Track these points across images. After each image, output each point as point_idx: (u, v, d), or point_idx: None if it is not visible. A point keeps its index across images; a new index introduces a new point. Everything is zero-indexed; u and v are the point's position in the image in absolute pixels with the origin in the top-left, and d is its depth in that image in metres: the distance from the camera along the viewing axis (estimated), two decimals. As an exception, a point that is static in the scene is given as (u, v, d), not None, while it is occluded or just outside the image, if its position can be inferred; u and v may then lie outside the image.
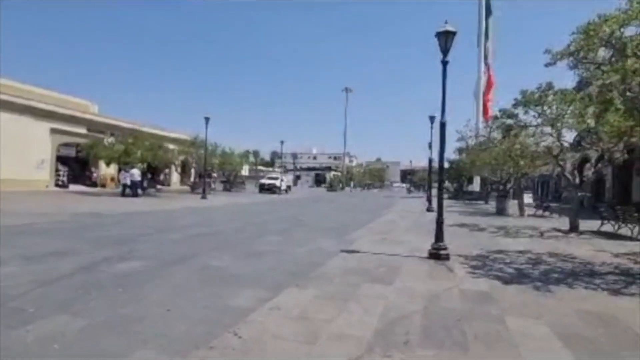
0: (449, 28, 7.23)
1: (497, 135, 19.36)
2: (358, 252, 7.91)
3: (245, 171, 50.29)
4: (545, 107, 11.79)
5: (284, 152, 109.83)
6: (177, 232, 9.68)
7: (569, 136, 14.33)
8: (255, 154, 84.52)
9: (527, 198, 25.75)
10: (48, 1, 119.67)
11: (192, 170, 33.94)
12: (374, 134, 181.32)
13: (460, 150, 27.65)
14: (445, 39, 7.26)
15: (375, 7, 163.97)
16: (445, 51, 7.35)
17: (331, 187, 56.44)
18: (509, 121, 13.44)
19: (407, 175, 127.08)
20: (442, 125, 7.51)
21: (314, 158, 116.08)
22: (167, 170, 36.06)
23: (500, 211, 19.29)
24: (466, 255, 7.80)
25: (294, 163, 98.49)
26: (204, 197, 22.85)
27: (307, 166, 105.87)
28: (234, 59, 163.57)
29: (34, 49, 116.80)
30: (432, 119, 20.01)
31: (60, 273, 5.36)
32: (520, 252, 8.50)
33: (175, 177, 37.80)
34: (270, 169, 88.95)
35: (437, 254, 7.29)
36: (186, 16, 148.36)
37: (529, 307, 4.64)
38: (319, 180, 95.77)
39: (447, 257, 7.26)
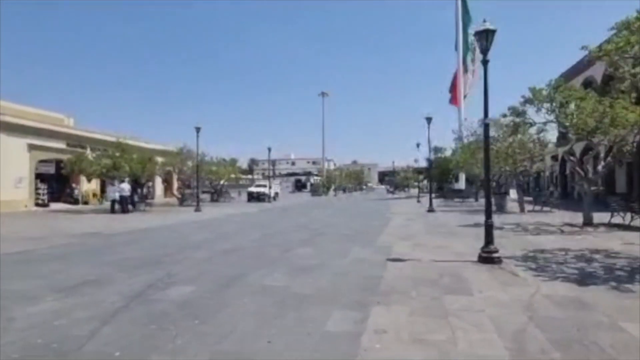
0: (489, 26, 7.09)
1: (495, 133, 19.65)
2: (404, 259, 7.62)
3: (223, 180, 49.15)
4: (555, 104, 11.93)
5: (262, 160, 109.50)
6: (201, 250, 9.09)
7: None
8: (233, 161, 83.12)
9: (513, 194, 26.35)
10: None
11: (178, 182, 32.80)
12: (349, 136, 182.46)
13: (454, 150, 27.87)
14: (486, 37, 7.12)
15: (349, 13, 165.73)
16: (485, 50, 7.20)
17: (315, 192, 56.03)
18: (517, 119, 13.53)
19: (384, 177, 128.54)
20: (486, 126, 7.35)
21: (293, 163, 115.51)
22: (150, 184, 34.75)
23: (500, 208, 19.48)
24: (513, 257, 7.67)
25: (273, 169, 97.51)
26: (197, 210, 22.01)
27: (286, 172, 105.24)
28: (204, 66, 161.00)
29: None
30: (429, 120, 20.09)
31: (111, 306, 4.79)
32: (562, 250, 8.44)
33: (158, 189, 36.53)
34: (250, 176, 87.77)
35: (489, 258, 7.09)
36: (152, 22, 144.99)
37: (631, 310, 4.47)
38: (299, 186, 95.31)
39: (500, 261, 7.08)
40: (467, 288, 5.50)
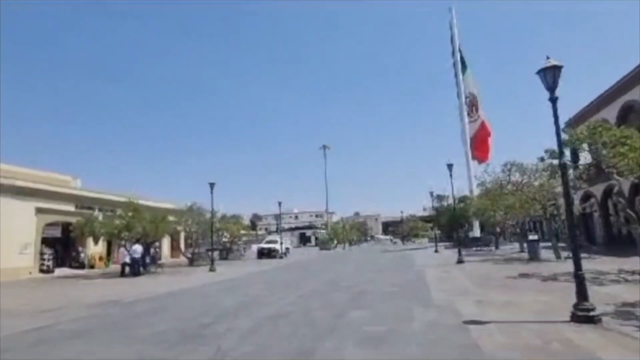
0: (555, 62, 6.74)
1: (519, 177, 19.17)
2: (482, 322, 6.65)
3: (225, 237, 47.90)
4: (599, 145, 11.50)
5: (264, 215, 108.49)
6: (241, 318, 8.06)
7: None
8: (238, 218, 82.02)
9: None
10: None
11: (185, 242, 31.70)
12: (350, 188, 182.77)
13: (465, 198, 27.22)
14: (553, 74, 6.74)
15: (346, 66, 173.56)
16: (552, 88, 6.80)
17: (324, 246, 54.52)
18: (555, 161, 13.03)
19: (388, 227, 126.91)
20: (563, 166, 6.73)
21: (296, 217, 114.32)
22: (157, 244, 33.61)
23: (534, 256, 18.43)
24: (605, 313, 6.70)
25: (280, 224, 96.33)
26: (212, 269, 20.85)
27: (289, 226, 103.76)
28: (202, 123, 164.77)
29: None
30: (450, 167, 19.64)
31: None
32: (653, 303, 7.49)
33: (165, 249, 35.28)
34: (253, 232, 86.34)
35: (587, 317, 6.15)
36: (148, 82, 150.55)
37: None
38: (304, 240, 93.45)
39: (599, 319, 6.14)
40: (595, 359, 4.56)
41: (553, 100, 6.83)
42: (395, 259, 27.38)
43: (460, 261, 19.08)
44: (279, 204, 35.15)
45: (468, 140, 39.69)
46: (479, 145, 38.18)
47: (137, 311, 9.58)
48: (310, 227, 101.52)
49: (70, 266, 25.92)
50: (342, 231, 76.45)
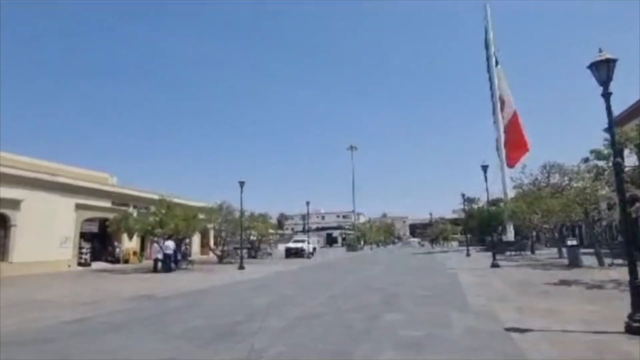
0: (609, 56, 6.29)
1: (558, 179, 18.30)
2: (526, 330, 6.28)
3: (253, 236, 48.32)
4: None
5: (292, 215, 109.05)
6: (272, 317, 7.99)
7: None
8: (265, 217, 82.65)
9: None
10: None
11: (216, 239, 32.23)
12: (377, 189, 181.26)
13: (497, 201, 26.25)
14: (607, 67, 6.29)
15: (374, 66, 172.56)
16: (605, 82, 6.35)
17: (351, 247, 54.18)
18: (601, 163, 12.31)
19: (416, 230, 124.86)
20: (618, 165, 6.28)
21: (323, 218, 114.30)
22: (187, 241, 34.35)
23: (574, 262, 17.51)
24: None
25: (303, 224, 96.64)
26: (241, 267, 21.04)
27: (315, 226, 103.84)
28: (230, 124, 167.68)
29: (28, 121, 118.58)
30: (485, 168, 18.96)
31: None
32: None
33: (195, 246, 36.01)
34: (280, 231, 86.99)
35: (645, 328, 5.69)
36: (173, 87, 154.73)
37: None
38: (330, 240, 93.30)
39: (659, 332, 5.66)
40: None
41: (606, 95, 6.38)
42: (425, 261, 26.80)
43: (494, 265, 18.39)
44: (307, 203, 35.25)
45: (502, 141, 38.39)
46: (513, 145, 36.82)
47: (170, 306, 9.72)
48: (336, 227, 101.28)
49: (106, 260, 26.89)
50: (369, 232, 75.88)
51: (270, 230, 38.97)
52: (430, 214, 68.76)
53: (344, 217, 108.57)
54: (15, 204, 20.48)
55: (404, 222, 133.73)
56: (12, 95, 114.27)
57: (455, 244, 64.87)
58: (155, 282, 15.53)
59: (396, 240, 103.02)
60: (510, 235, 36.38)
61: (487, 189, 19.62)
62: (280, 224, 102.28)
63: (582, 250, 20.00)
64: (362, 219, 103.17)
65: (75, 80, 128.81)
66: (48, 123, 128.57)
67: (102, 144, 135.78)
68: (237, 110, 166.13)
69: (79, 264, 24.11)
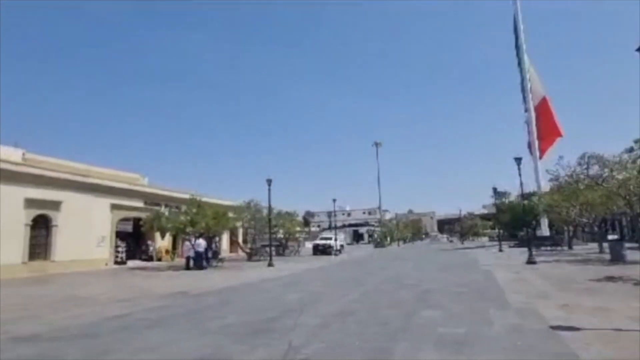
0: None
1: (598, 170, 17.45)
2: (573, 328, 5.99)
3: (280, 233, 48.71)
4: None
5: (317, 212, 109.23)
6: (306, 314, 7.96)
7: None
8: (292, 215, 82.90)
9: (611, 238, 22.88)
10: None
11: (245, 237, 32.67)
12: (403, 186, 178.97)
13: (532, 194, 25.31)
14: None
15: (397, 61, 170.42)
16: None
17: (379, 244, 53.79)
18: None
19: (444, 225, 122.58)
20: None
21: (348, 214, 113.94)
22: (217, 239, 34.98)
23: (618, 257, 16.64)
24: None
25: (329, 221, 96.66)
26: (270, 265, 21.22)
27: (341, 223, 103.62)
28: (255, 122, 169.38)
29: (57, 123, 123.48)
30: (518, 160, 18.28)
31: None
32: None
33: (224, 244, 36.62)
34: (306, 229, 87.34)
35: None
36: (196, 86, 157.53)
37: None
38: (357, 237, 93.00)
39: None
40: None
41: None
42: (455, 257, 26.24)
43: (531, 261, 17.73)
44: (333, 201, 35.28)
45: (535, 131, 37.03)
46: (544, 133, 35.50)
47: (205, 303, 9.87)
48: (362, 224, 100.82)
49: (141, 258, 27.74)
50: (396, 229, 75.14)
51: (297, 228, 39.25)
52: (460, 209, 67.18)
53: (369, 213, 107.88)
54: (56, 205, 21.40)
55: (432, 217, 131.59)
56: (47, 100, 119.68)
57: (485, 239, 63.28)
58: (188, 280, 15.86)
59: (424, 237, 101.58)
60: (544, 230, 35.12)
61: (520, 182, 18.91)
62: (306, 222, 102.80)
63: (626, 245, 19.03)
64: (387, 216, 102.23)
65: (107, 85, 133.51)
66: (79, 126, 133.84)
67: (130, 145, 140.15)
68: (263, 111, 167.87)
69: (116, 262, 24.95)
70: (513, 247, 36.64)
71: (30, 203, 20.15)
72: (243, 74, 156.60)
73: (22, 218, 19.84)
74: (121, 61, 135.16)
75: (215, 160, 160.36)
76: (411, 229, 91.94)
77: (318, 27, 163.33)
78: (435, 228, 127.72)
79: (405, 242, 77.14)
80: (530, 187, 36.21)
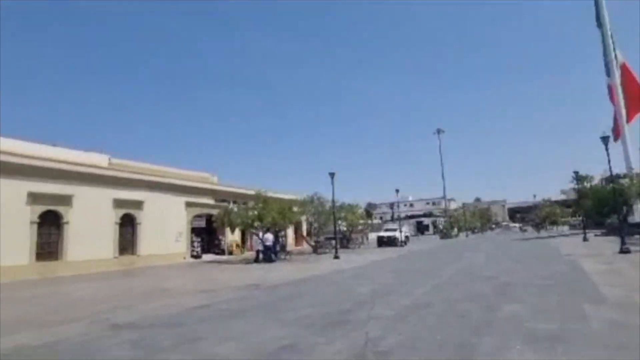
0: None
1: None
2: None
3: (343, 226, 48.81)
4: None
5: (379, 203, 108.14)
6: (380, 306, 7.88)
7: None
8: (354, 207, 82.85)
9: None
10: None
11: (309, 230, 33.26)
12: (469, 174, 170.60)
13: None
14: None
15: (460, 45, 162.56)
16: None
17: (445, 235, 51.92)
18: None
19: (516, 214, 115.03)
20: None
21: (411, 205, 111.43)
22: (283, 233, 36.00)
23: None
24: None
25: (392, 213, 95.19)
26: (336, 257, 21.38)
27: (404, 214, 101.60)
28: (317, 118, 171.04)
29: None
30: (605, 139, 16.48)
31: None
32: None
33: (290, 238, 37.60)
34: (369, 221, 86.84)
35: None
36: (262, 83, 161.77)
37: None
38: (421, 228, 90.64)
39: None
40: None
41: None
42: (533, 248, 24.50)
43: (624, 251, 16.00)
44: (396, 191, 34.80)
45: (622, 104, 33.21)
46: (630, 101, 31.72)
47: (279, 295, 10.18)
48: (426, 215, 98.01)
49: (214, 252, 29.43)
50: (463, 218, 71.95)
51: (361, 220, 39.16)
52: (534, 196, 62.38)
53: (433, 203, 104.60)
54: (139, 204, 23.39)
55: (503, 206, 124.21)
56: (118, 105, 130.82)
57: (565, 228, 58.32)
58: (260, 272, 16.50)
59: (493, 227, 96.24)
60: (637, 216, 31.52)
61: (609, 164, 17.00)
62: (368, 214, 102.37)
63: None
64: (453, 205, 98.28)
65: (173, 88, 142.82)
66: (152, 129, 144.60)
67: (198, 145, 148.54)
68: (323, 104, 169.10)
69: (192, 256, 26.74)
70: (599, 235, 33.39)
71: (118, 203, 22.22)
72: (304, 70, 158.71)
73: (112, 217, 21.95)
74: (188, 67, 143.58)
75: (277, 156, 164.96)
76: (479, 219, 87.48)
77: (377, 20, 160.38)
78: (507, 217, 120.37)
79: (473, 232, 73.61)
80: (617, 170, 32.64)
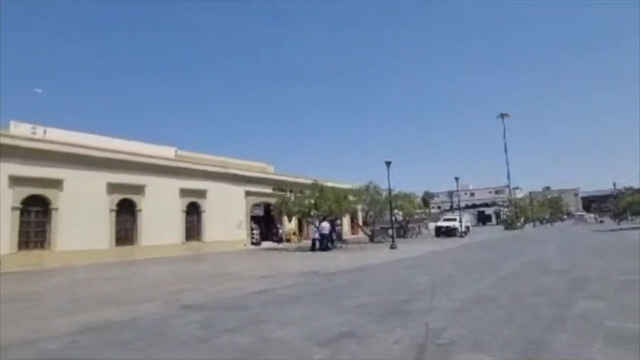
0: None
1: None
2: None
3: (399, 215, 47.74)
4: None
5: (437, 192, 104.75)
6: (440, 297, 7.65)
7: None
8: (411, 196, 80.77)
9: None
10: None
11: (365, 219, 33.12)
12: (536, 161, 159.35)
13: None
14: None
15: (524, 27, 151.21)
16: None
17: (509, 225, 49.09)
18: None
19: (591, 204, 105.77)
20: None
21: (472, 194, 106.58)
22: (338, 221, 36.20)
23: None
24: None
25: (451, 202, 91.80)
26: (393, 247, 21.10)
27: (464, 204, 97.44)
28: (376, 107, 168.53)
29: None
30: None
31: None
32: None
33: (345, 226, 37.73)
34: (426, 210, 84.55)
35: None
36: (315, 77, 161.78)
37: None
38: (482, 218, 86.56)
39: None
40: None
41: None
42: (612, 240, 22.40)
43: None
44: (456, 179, 33.17)
45: None
46: None
47: (336, 283, 10.27)
48: (489, 204, 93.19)
49: (272, 240, 30.39)
50: (530, 208, 67.50)
51: (419, 210, 38.22)
52: (614, 184, 56.78)
53: (496, 192, 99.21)
54: (202, 193, 24.75)
55: (575, 194, 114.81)
56: (183, 100, 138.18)
57: (648, 219, 52.57)
58: (317, 260, 16.76)
59: (565, 217, 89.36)
60: None
61: None
62: (425, 203, 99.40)
63: None
64: (519, 194, 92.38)
65: (233, 82, 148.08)
66: (210, 121, 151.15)
67: (256, 135, 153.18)
68: (381, 91, 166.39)
69: (252, 243, 27.84)
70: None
71: (184, 193, 23.68)
72: (362, 57, 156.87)
73: (179, 205, 23.44)
74: (245, 58, 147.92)
75: (336, 145, 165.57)
76: (549, 208, 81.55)
77: (435, 5, 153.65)
78: (580, 207, 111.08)
79: (542, 222, 68.87)
80: None
